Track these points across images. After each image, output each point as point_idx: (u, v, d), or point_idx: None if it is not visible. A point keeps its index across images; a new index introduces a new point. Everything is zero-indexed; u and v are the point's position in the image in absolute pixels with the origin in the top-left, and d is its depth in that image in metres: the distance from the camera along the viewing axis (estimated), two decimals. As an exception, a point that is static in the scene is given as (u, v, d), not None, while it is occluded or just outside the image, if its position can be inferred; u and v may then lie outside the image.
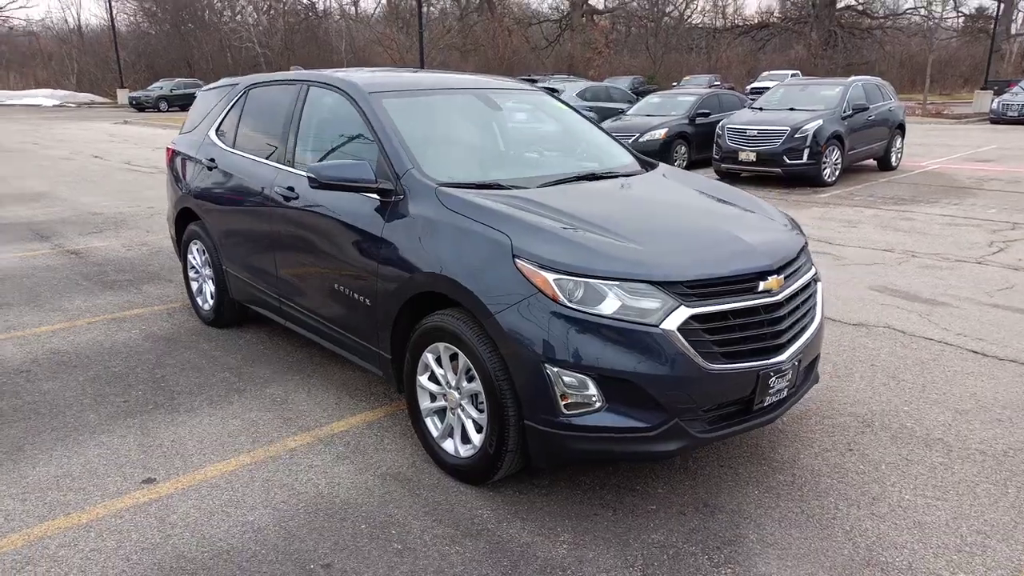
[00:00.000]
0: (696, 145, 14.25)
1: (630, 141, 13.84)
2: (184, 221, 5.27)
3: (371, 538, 2.82)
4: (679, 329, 2.74)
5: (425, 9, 58.80)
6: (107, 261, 7.10)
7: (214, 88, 5.43)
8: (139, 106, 37.32)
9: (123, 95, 40.16)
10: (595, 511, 3.01)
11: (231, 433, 3.64)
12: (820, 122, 11.91)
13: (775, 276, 2.99)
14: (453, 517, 2.95)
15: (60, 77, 48.75)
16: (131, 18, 50.25)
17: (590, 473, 3.27)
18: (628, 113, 15.49)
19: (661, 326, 2.72)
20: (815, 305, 3.33)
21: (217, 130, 4.98)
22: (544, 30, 59.48)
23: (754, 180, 12.62)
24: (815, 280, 3.39)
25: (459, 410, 3.16)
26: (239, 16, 47.99)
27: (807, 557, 2.74)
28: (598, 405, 2.76)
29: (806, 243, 3.43)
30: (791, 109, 12.83)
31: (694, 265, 2.87)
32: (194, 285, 5.32)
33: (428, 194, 3.28)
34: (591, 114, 15.84)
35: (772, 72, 38.88)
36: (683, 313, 2.75)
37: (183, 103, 37.55)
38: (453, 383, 3.15)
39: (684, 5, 57.98)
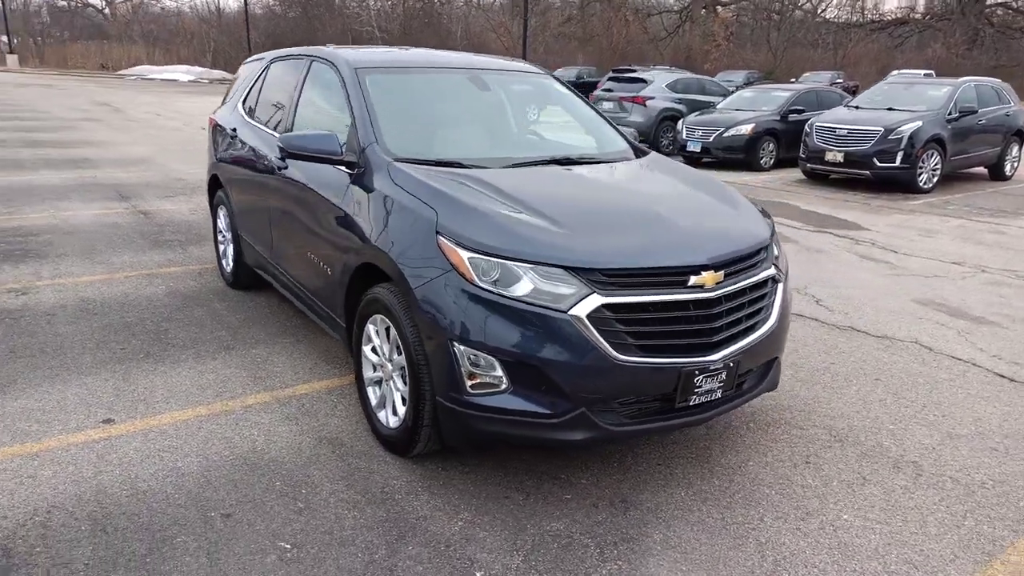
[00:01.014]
0: (785, 143, 13.62)
1: (712, 137, 13.43)
2: (214, 187, 5.56)
3: (280, 495, 2.91)
4: (588, 317, 2.67)
5: (547, -3, 59.08)
6: (169, 222, 7.58)
7: (250, 61, 5.68)
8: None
9: (250, 73, 42.40)
10: (508, 494, 2.99)
11: (201, 386, 3.83)
12: (919, 123, 11.10)
13: (710, 272, 2.85)
14: (366, 484, 3.01)
15: (199, 55, 52.13)
16: (265, 1, 53.04)
17: (520, 457, 3.24)
18: (718, 107, 14.98)
19: (569, 312, 2.66)
20: (768, 306, 3.14)
21: (243, 101, 5.21)
22: (664, 21, 58.21)
23: (842, 183, 11.95)
24: (774, 280, 3.20)
25: (390, 382, 3.20)
26: (363, 1, 49.67)
27: (705, 564, 2.62)
28: (503, 387, 2.73)
29: (768, 242, 3.23)
30: (889, 108, 12.02)
31: (618, 254, 2.78)
32: (220, 248, 5.61)
33: (382, 168, 3.33)
34: (684, 106, 15.43)
35: (903, 71, 36.45)
36: (594, 301, 2.68)
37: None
38: (387, 355, 3.20)
39: (819, -2, 55.16)
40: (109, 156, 12.26)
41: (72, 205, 8.22)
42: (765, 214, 3.50)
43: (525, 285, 2.69)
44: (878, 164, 11.16)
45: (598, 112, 4.41)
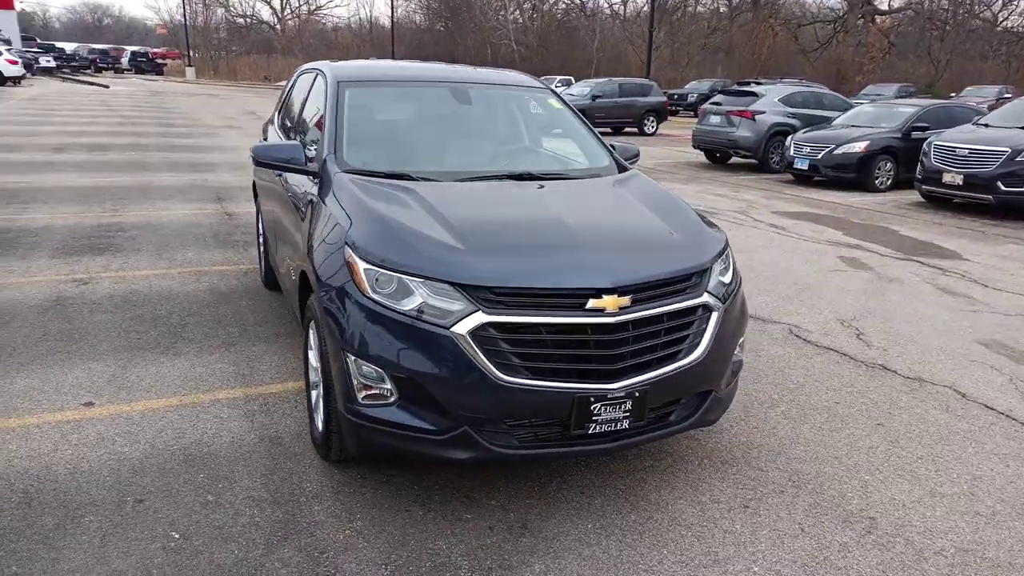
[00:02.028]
0: (905, 163, 12.57)
1: (821, 154, 12.67)
2: (255, 191, 5.92)
3: (197, 487, 3.07)
4: (472, 335, 2.63)
5: (692, 8, 57.85)
6: (246, 224, 8.12)
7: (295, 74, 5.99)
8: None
9: (392, 84, 44.44)
10: (410, 507, 2.99)
11: (186, 378, 4.10)
12: (1054, 145, 9.95)
13: (611, 296, 2.73)
14: (280, 485, 3.10)
15: (349, 67, 55.28)
16: (412, 16, 55.58)
17: (441, 472, 3.22)
18: (835, 122, 14.09)
19: (452, 329, 2.63)
20: (695, 336, 2.95)
21: (279, 109, 5.52)
22: (817, 31, 55.37)
23: (963, 208, 10.90)
24: (705, 308, 2.99)
25: (319, 388, 3.29)
26: (501, 14, 50.79)
27: (572, 602, 2.51)
28: (392, 400, 2.75)
29: (703, 268, 3.03)
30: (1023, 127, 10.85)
31: (512, 273, 2.72)
32: (261, 249, 5.96)
33: (330, 179, 3.44)
34: (797, 121, 14.64)
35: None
36: (478, 319, 2.64)
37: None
38: (316, 362, 3.29)
39: (1001, 5, 50.37)
40: (230, 160, 13.27)
41: (171, 205, 8.99)
42: (715, 240, 3.28)
43: (415, 300, 2.69)
44: (1002, 188, 10.10)
45: (589, 128, 4.31)
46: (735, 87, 16.85)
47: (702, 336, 2.97)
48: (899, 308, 5.89)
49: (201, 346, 4.56)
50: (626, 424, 2.83)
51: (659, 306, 2.85)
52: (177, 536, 2.74)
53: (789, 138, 13.74)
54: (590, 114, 21.69)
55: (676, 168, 15.02)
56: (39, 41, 54.94)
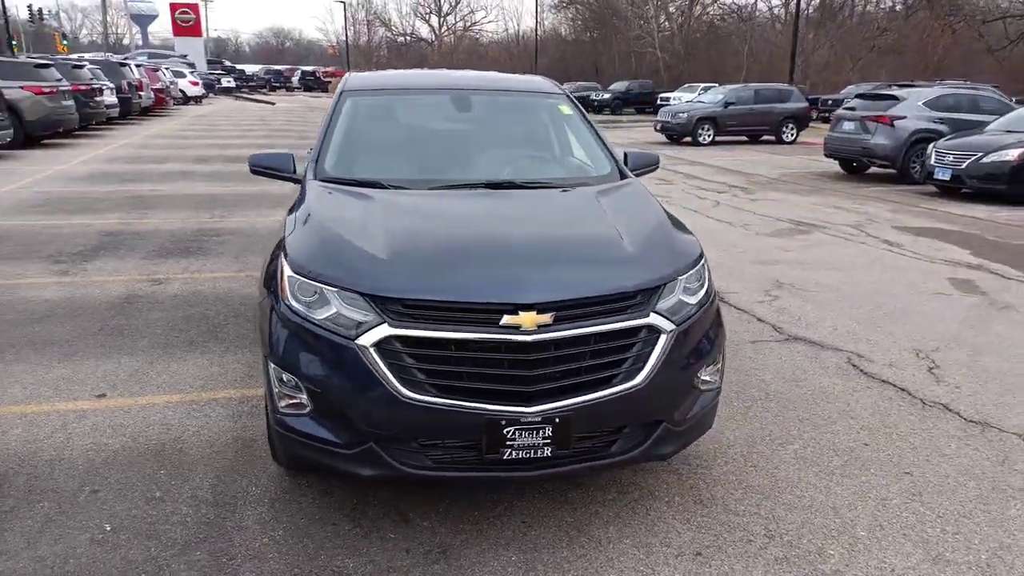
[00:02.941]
0: (1070, 173, 11.03)
1: (966, 164, 11.38)
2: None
3: (150, 482, 3.17)
4: (376, 347, 2.54)
5: (861, 8, 54.11)
6: (331, 231, 8.43)
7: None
8: (543, 106, 41.47)
9: (534, 96, 45.04)
10: (338, 521, 2.93)
11: (199, 376, 4.28)
12: None
13: (529, 313, 2.53)
14: (228, 488, 3.14)
15: (497, 79, 56.64)
16: (557, 28, 56.09)
17: (392, 488, 3.13)
18: (987, 128, 12.61)
19: (357, 340, 2.55)
20: (636, 360, 2.68)
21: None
22: (1007, 27, 50.04)
23: None
24: (651, 330, 2.71)
25: (273, 393, 3.30)
26: (642, 22, 50.01)
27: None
28: (307, 410, 2.70)
29: (644, 289, 2.73)
30: None
31: (425, 286, 2.60)
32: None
33: (303, 186, 3.48)
34: (945, 126, 13.26)
35: None
36: (383, 331, 2.54)
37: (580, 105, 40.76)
38: (273, 367, 3.31)
39: None
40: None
41: (272, 212, 9.52)
42: (682, 257, 2.97)
43: (330, 310, 2.64)
44: None
45: (596, 135, 4.07)
46: (873, 90, 15.50)
47: (645, 361, 2.69)
48: (998, 341, 5.13)
49: (228, 346, 4.76)
50: (548, 452, 2.61)
51: (588, 326, 2.61)
52: (108, 529, 2.84)
53: (931, 146, 12.46)
54: (721, 122, 20.87)
55: (802, 179, 14.05)
56: (225, 63, 60.58)
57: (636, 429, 2.79)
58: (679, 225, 3.32)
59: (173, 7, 50.08)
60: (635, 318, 2.69)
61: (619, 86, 40.60)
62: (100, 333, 4.94)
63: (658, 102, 33.48)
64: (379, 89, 4.23)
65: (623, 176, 3.81)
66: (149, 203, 9.88)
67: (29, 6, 65.89)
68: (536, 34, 47.07)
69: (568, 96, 4.36)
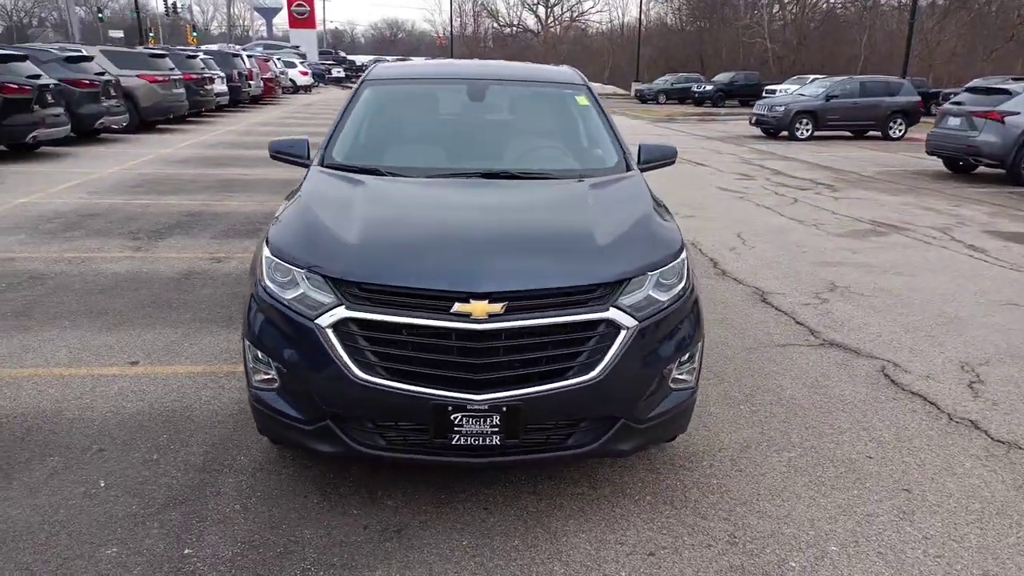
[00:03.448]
0: None
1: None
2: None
3: (151, 446, 3.39)
4: (333, 328, 2.63)
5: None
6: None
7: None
8: (642, 98, 40.87)
9: (635, 88, 44.42)
10: (310, 495, 3.05)
11: (222, 350, 4.53)
12: None
13: (481, 302, 2.56)
14: (220, 455, 3.32)
15: (599, 71, 56.17)
16: (663, 18, 54.99)
17: (364, 468, 3.23)
18: (1112, 126, 11.50)
19: (316, 321, 2.66)
20: (592, 354, 2.66)
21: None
22: None
23: None
24: (610, 325, 2.67)
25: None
26: (755, 13, 48.23)
27: (382, 614, 2.41)
28: (275, 386, 2.83)
29: (607, 283, 2.70)
30: None
31: (383, 271, 2.67)
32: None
33: (307, 171, 3.62)
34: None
35: None
36: (340, 313, 2.63)
37: (680, 96, 39.88)
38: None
39: None
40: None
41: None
42: (657, 251, 2.91)
43: (297, 290, 2.75)
44: None
45: (609, 127, 4.01)
46: (984, 84, 14.35)
47: (602, 355, 2.67)
48: (1061, 356, 4.72)
49: (262, 323, 4.99)
50: (497, 440, 2.64)
51: (542, 318, 2.61)
52: (103, 485, 3.07)
53: (1041, 144, 11.49)
54: (822, 116, 19.94)
55: (899, 177, 13.26)
56: (335, 54, 62.80)
57: (594, 423, 2.77)
58: (665, 220, 3.24)
59: (290, 1, 52.40)
60: (593, 312, 2.66)
61: (722, 77, 39.44)
62: (152, 306, 5.30)
63: (763, 95, 32.27)
64: (399, 79, 4.33)
65: (629, 169, 3.75)
66: (235, 186, 10.43)
67: (165, 0, 70.82)
68: (639, 24, 46.40)
69: (588, 87, 4.31)
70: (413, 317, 2.59)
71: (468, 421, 2.60)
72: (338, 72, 51.26)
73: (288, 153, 3.89)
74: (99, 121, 14.22)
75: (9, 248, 6.72)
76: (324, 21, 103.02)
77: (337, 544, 2.75)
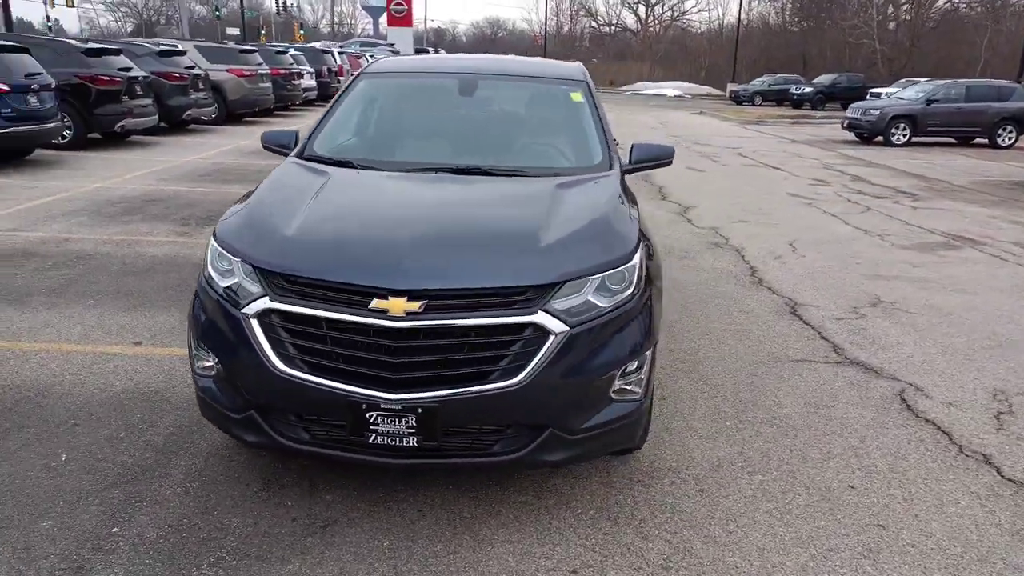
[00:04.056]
0: None
1: None
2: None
3: (120, 425, 3.48)
4: (257, 318, 2.63)
5: None
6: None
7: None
8: (736, 99, 39.66)
9: (730, 89, 43.16)
10: (252, 483, 3.06)
11: (227, 335, 4.63)
12: None
13: (399, 299, 2.49)
14: (183, 438, 3.38)
15: (695, 71, 54.90)
16: (765, 18, 53.13)
17: (315, 461, 3.22)
18: None
19: (243, 310, 2.66)
20: (513, 358, 2.54)
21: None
22: None
23: None
24: (536, 329, 2.55)
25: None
26: (864, 11, 45.84)
27: (277, 609, 2.39)
28: (212, 374, 2.86)
29: (537, 285, 2.58)
30: None
31: (307, 263, 2.65)
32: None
33: (282, 162, 3.65)
34: None
35: None
36: (263, 303, 2.62)
37: (777, 98, 38.46)
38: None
39: None
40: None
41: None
42: (604, 254, 2.76)
43: (233, 279, 2.76)
44: None
45: (599, 124, 3.84)
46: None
47: (528, 360, 2.55)
48: (1118, 390, 4.23)
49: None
50: (414, 442, 2.56)
51: (463, 318, 2.52)
52: (63, 459, 3.19)
53: None
54: (921, 121, 18.77)
55: (994, 188, 12.29)
56: (430, 51, 64.01)
57: (520, 431, 2.65)
58: (626, 222, 3.05)
59: (389, 0, 53.61)
60: (519, 315, 2.55)
61: (824, 79, 37.77)
62: (175, 289, 5.49)
63: (867, 98, 30.68)
64: (396, 72, 4.31)
65: (611, 168, 3.59)
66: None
67: (276, 0, 74.22)
68: (738, 22, 44.95)
69: (588, 84, 4.15)
70: (333, 312, 2.55)
71: (383, 420, 2.54)
72: (433, 69, 52.02)
73: (278, 144, 3.93)
74: (187, 112, 14.96)
75: (69, 229, 7.12)
76: (425, 20, 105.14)
77: (260, 534, 2.74)
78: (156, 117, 13.48)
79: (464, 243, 2.77)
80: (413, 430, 2.54)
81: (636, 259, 2.84)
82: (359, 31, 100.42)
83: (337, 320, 2.54)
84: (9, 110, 9.70)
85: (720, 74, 50.89)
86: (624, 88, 52.51)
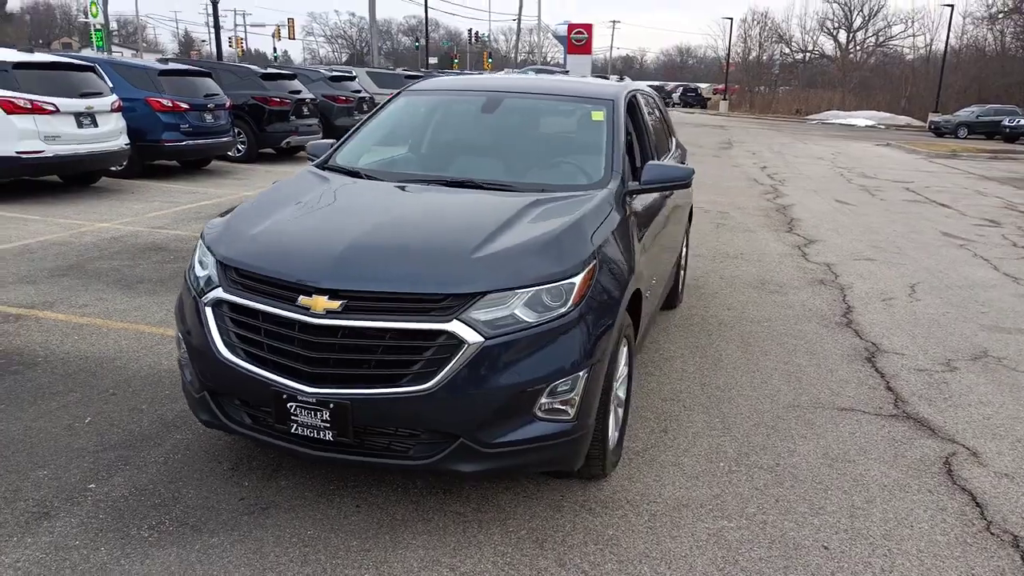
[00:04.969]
0: None
1: None
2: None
3: (149, 397, 3.86)
4: (211, 307, 2.87)
5: None
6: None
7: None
8: (937, 131, 36.26)
9: (931, 119, 39.56)
10: (225, 461, 3.30)
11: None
12: None
13: (322, 297, 2.62)
14: (182, 415, 3.65)
15: (894, 100, 50.88)
16: (981, 42, 48.21)
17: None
18: None
19: (202, 299, 2.91)
20: (424, 364, 2.57)
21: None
22: None
23: None
24: (452, 338, 2.55)
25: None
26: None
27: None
28: (182, 355, 3.13)
29: (457, 294, 2.60)
30: None
31: (254, 258, 2.86)
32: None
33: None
34: None
35: None
36: (217, 294, 2.85)
37: (986, 131, 34.70)
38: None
39: None
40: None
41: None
42: (539, 269, 2.71)
43: (206, 271, 3.02)
44: None
45: (611, 144, 3.73)
46: None
47: (439, 367, 2.57)
48: None
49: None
50: (330, 436, 2.66)
51: (378, 320, 2.59)
52: (87, 421, 3.61)
53: None
54: None
55: None
56: (618, 78, 64.39)
57: (433, 438, 2.67)
58: (576, 242, 2.94)
59: (571, 27, 54.68)
60: (434, 322, 2.58)
61: (1046, 111, 33.58)
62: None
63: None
64: (435, 90, 4.46)
65: (606, 187, 3.50)
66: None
67: (469, 30, 78.44)
68: (946, 47, 41.08)
69: (616, 104, 4.02)
70: (268, 305, 2.72)
71: (302, 412, 2.66)
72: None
73: (313, 154, 4.22)
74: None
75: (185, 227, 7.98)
76: (611, 48, 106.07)
77: (205, 507, 2.95)
78: (320, 134, 14.72)
79: (398, 250, 2.83)
80: (328, 424, 2.64)
81: (578, 278, 2.77)
82: (550, 59, 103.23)
83: (270, 313, 2.71)
84: (188, 125, 11.04)
85: (923, 104, 46.79)
86: (811, 117, 49.73)
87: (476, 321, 2.59)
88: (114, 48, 39.10)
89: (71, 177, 10.05)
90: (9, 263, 6.26)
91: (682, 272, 6.01)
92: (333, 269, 2.68)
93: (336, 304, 2.60)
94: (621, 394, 3.43)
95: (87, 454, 3.31)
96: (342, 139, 4.13)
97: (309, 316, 2.62)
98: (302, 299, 2.64)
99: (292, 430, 2.71)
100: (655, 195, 4.10)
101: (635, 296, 3.37)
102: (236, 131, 12.59)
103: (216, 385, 2.89)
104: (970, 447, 3.75)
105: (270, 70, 14.31)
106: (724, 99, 56.47)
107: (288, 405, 2.66)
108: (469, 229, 2.97)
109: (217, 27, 30.08)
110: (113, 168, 10.35)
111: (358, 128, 4.17)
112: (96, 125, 9.23)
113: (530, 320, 2.64)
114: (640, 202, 3.80)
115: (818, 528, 2.98)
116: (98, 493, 3.02)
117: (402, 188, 3.50)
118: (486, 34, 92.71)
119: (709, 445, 3.64)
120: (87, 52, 23.47)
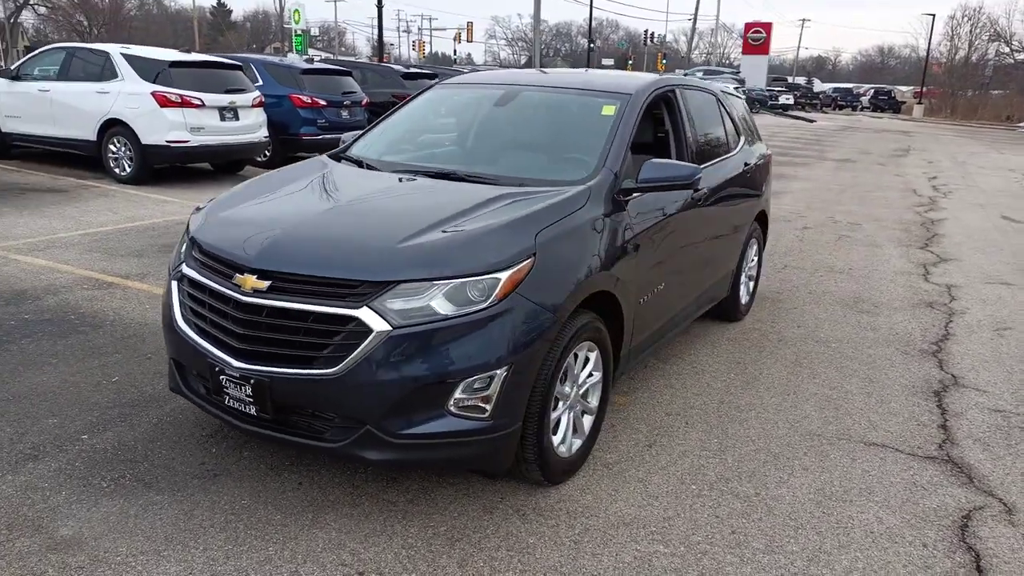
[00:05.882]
0: None
1: None
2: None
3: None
4: (176, 281, 3.09)
5: None
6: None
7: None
8: None
9: None
10: (203, 435, 3.53)
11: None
12: None
13: (250, 276, 2.74)
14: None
15: None
16: None
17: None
18: None
19: (175, 270, 3.14)
20: (334, 349, 2.62)
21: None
22: None
23: None
24: (360, 325, 2.58)
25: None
26: None
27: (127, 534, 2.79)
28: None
29: (371, 281, 2.62)
30: None
31: (208, 236, 3.05)
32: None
33: None
34: None
35: None
36: (181, 268, 3.07)
37: None
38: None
39: None
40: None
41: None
42: (463, 265, 2.67)
43: (183, 248, 3.25)
44: None
45: (610, 141, 3.54)
46: None
47: (347, 352, 2.60)
48: None
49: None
50: (253, 411, 2.78)
51: (298, 302, 2.66)
52: (115, 380, 3.99)
53: None
54: None
55: None
56: (789, 81, 60.91)
57: (344, 422, 2.70)
58: (515, 238, 2.84)
59: (747, 27, 52.43)
60: (345, 308, 2.61)
61: None
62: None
63: None
64: (463, 84, 4.47)
65: (585, 184, 3.35)
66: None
67: (646, 31, 77.70)
68: None
69: (632, 98, 3.81)
70: (212, 281, 2.88)
71: (231, 385, 2.79)
72: (787, 99, 49.64)
73: (341, 142, 4.39)
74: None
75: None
76: (798, 48, 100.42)
77: (164, 468, 3.17)
78: (456, 131, 15.18)
79: (329, 236, 2.88)
80: (251, 399, 2.75)
81: (504, 274, 2.69)
82: (733, 59, 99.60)
83: (212, 288, 2.87)
84: (324, 120, 11.81)
85: None
86: (1022, 125, 44.24)
87: (388, 310, 2.59)
88: (311, 51, 42.87)
89: (218, 166, 11.10)
90: (130, 237, 7.03)
91: (751, 283, 5.61)
92: (265, 251, 2.78)
93: (263, 284, 2.70)
94: (592, 402, 3.28)
95: (97, 409, 3.65)
96: (364, 130, 4.25)
97: (239, 294, 2.74)
98: (236, 277, 2.78)
99: (225, 402, 2.85)
100: (681, 197, 3.88)
101: (607, 298, 3.20)
102: (374, 127, 13.29)
103: (175, 354, 3.10)
104: (1008, 503, 3.21)
105: (412, 69, 14.96)
106: (919, 103, 51.61)
107: (220, 378, 2.80)
108: (412, 219, 2.97)
109: (380, 29, 32.90)
110: (257, 159, 11.31)
111: (381, 120, 4.28)
112: (237, 119, 10.12)
113: (445, 312, 2.60)
114: (650, 203, 3.60)
115: (761, 569, 2.69)
116: (86, 444, 3.33)
117: (378, 177, 3.56)
118: (664, 35, 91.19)
119: (691, 465, 3.39)
120: (291, 56, 25.53)
